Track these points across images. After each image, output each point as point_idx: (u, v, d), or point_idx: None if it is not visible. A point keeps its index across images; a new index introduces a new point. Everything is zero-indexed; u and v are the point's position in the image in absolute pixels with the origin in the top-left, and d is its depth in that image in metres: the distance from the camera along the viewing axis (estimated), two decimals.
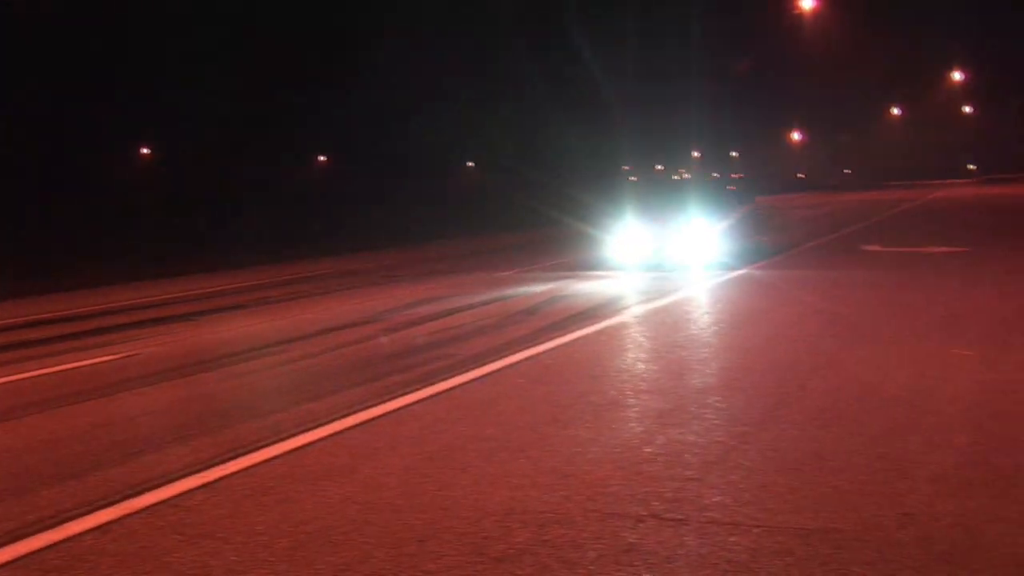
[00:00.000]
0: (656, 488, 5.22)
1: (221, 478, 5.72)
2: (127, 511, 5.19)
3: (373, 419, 7.00)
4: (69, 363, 9.92)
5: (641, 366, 8.66)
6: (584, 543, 4.51)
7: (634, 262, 17.53)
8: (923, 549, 4.30)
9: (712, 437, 6.17)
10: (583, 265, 18.83)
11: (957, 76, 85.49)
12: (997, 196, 46.45)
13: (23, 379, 9.23)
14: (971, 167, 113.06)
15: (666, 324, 11.08)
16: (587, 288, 14.94)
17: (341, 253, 25.24)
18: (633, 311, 12.14)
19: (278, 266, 21.77)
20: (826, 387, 7.46)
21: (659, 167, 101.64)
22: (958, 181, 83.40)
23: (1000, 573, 4.09)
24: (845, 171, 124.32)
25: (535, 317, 11.76)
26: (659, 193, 21.91)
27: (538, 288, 15.09)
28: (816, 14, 61.15)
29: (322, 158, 62.04)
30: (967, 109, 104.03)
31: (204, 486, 5.58)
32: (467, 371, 8.53)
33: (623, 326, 10.95)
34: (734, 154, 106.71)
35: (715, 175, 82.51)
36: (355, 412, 7.18)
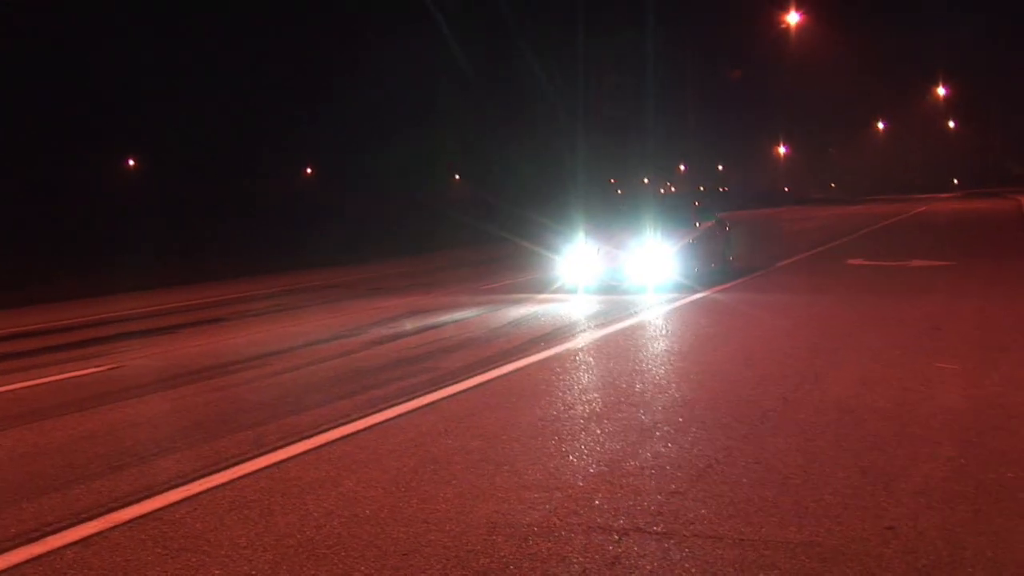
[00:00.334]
0: (641, 502, 5.22)
1: (204, 491, 5.69)
2: (110, 524, 5.17)
3: (357, 432, 6.98)
4: (52, 375, 9.87)
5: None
6: (569, 556, 4.51)
7: (584, 283, 16.23)
8: (907, 563, 4.31)
9: (696, 449, 6.17)
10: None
11: (941, 91, 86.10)
12: (980, 210, 46.68)
13: (5, 391, 9.18)
14: (955, 181, 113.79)
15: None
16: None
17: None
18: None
19: (259, 279, 21.71)
20: (811, 402, 7.47)
21: (645, 180, 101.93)
22: (942, 195, 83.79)
23: None
24: (831, 185, 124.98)
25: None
26: (616, 210, 19.77)
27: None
28: (801, 29, 61.62)
29: (309, 171, 62.08)
30: (951, 124, 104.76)
31: (187, 499, 5.56)
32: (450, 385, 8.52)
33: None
34: (720, 167, 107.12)
35: (700, 188, 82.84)
36: (339, 425, 7.17)
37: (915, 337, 10.35)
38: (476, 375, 9.00)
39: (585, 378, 8.82)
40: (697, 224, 17.48)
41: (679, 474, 5.70)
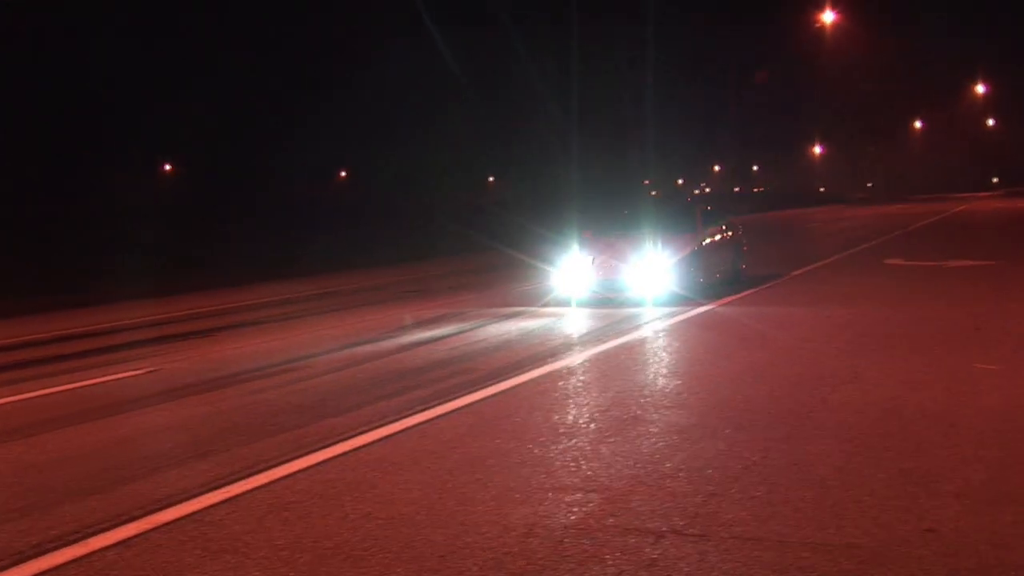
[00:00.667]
0: (678, 504, 5.21)
1: (243, 493, 5.73)
2: (150, 526, 5.21)
3: (394, 434, 7.00)
4: (91, 379, 9.97)
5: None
6: (605, 559, 4.50)
7: (577, 296, 14.88)
8: (948, 566, 4.27)
9: (733, 452, 6.14)
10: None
11: (980, 88, 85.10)
12: (1021, 209, 46.15)
13: (45, 395, 9.28)
14: (995, 180, 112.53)
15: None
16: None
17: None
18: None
19: (295, 281, 21.81)
20: (848, 402, 7.42)
21: (680, 181, 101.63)
22: (981, 194, 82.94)
23: None
24: (868, 184, 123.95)
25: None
26: (615, 215, 17.78)
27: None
28: (837, 27, 61.16)
29: (343, 173, 62.39)
30: (990, 122, 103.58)
31: (226, 501, 5.60)
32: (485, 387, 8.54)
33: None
34: (755, 168, 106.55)
35: (736, 189, 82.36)
36: (376, 427, 7.19)
37: (955, 338, 10.25)
38: (510, 378, 9.01)
39: (619, 382, 8.80)
40: (703, 230, 15.95)
41: (716, 476, 5.67)
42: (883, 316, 12.28)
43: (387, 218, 38.82)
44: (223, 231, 32.74)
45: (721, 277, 16.16)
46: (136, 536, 5.07)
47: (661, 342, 11.16)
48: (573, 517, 5.07)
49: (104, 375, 10.15)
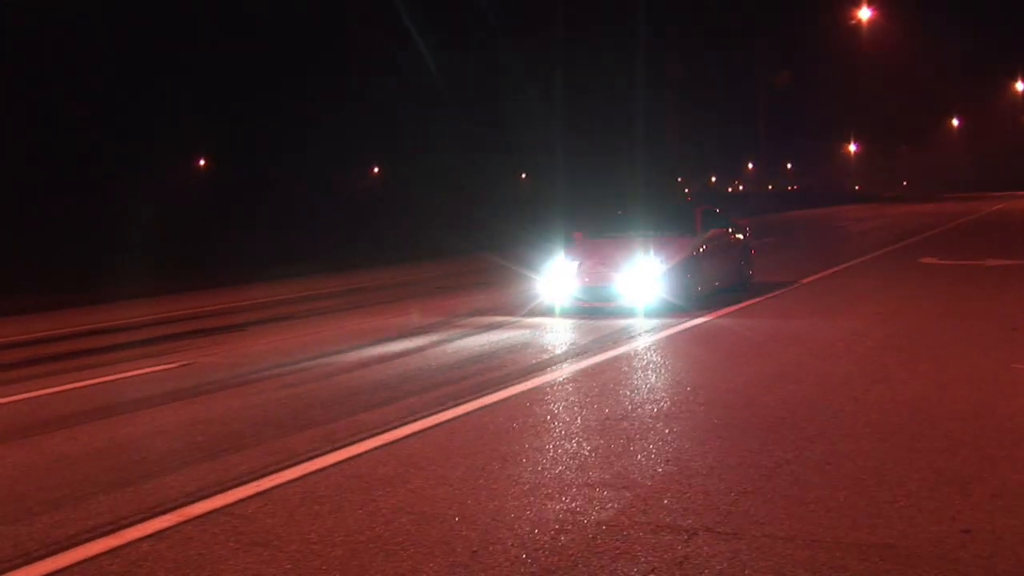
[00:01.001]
0: (710, 501, 5.18)
1: (275, 487, 5.76)
2: (183, 518, 5.25)
3: (426, 429, 7.02)
4: (124, 372, 10.05)
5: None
6: (637, 555, 4.49)
7: (561, 305, 13.55)
8: (984, 567, 4.22)
9: (766, 450, 6.11)
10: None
11: (1020, 86, 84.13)
12: None
13: (79, 388, 9.36)
14: None
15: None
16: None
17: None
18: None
19: (328, 277, 21.89)
20: (882, 401, 7.36)
21: (713, 179, 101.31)
22: (1019, 192, 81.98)
23: None
24: (903, 183, 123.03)
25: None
26: (609, 215, 16.45)
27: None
28: (873, 24, 60.72)
29: (376, 169, 62.57)
30: None
31: (258, 494, 5.63)
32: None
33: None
34: (789, 166, 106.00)
35: (769, 187, 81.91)
36: (408, 423, 7.21)
37: (991, 337, 10.14)
38: (542, 374, 9.01)
39: (653, 378, 8.78)
40: (702, 233, 14.57)
41: (749, 474, 5.64)
42: (910, 321, 12.16)
43: (404, 216, 38.72)
44: (252, 226, 32.87)
45: (722, 285, 14.86)
46: (169, 528, 5.11)
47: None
48: (605, 514, 5.06)
49: (137, 369, 10.22)
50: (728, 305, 13.60)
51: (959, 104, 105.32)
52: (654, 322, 12.18)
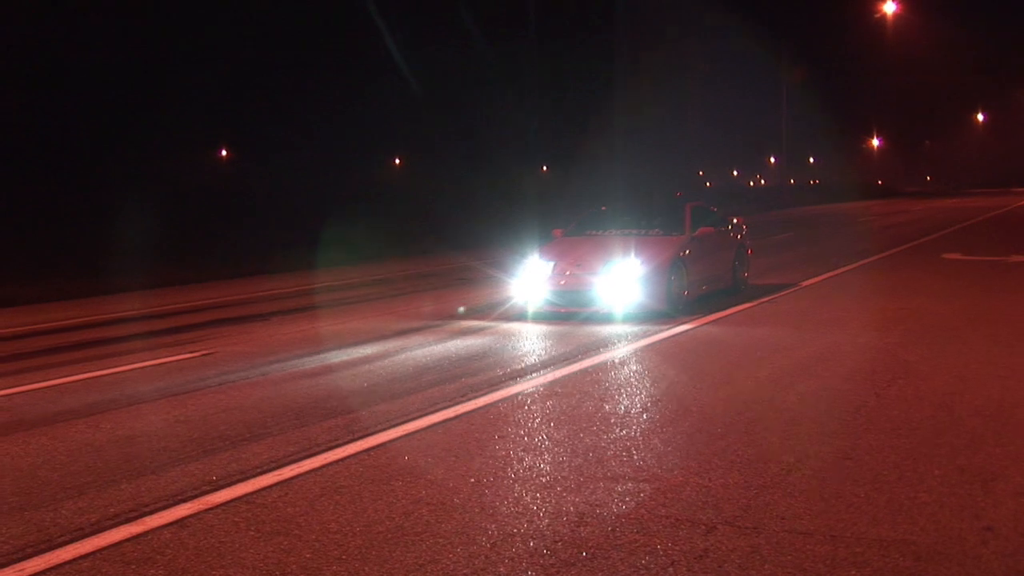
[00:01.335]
0: (730, 495, 5.17)
1: (296, 476, 5.79)
2: (204, 507, 5.28)
3: (446, 420, 7.03)
4: (147, 361, 10.10)
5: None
6: (656, 548, 4.48)
7: (533, 309, 12.51)
8: (1007, 565, 4.20)
9: (786, 445, 6.09)
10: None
11: None
12: None
13: (101, 376, 9.42)
14: None
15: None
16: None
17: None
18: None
19: (350, 268, 21.94)
20: (903, 397, 7.33)
21: (735, 173, 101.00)
22: None
23: None
24: (927, 178, 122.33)
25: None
26: (592, 212, 14.99)
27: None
28: (898, 18, 60.31)
29: (397, 161, 62.66)
30: None
31: (279, 484, 5.66)
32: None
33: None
34: (812, 160, 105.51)
35: (811, 181, 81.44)
36: (429, 413, 7.23)
37: (1015, 333, 10.08)
38: (562, 367, 9.02)
39: (672, 372, 8.78)
40: (690, 232, 13.41)
41: (769, 468, 5.63)
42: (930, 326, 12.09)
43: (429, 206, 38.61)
44: (285, 218, 33.01)
45: (712, 288, 13.71)
46: (190, 516, 5.14)
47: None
48: (625, 507, 5.06)
49: (160, 357, 10.28)
50: (717, 310, 12.49)
51: (984, 99, 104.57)
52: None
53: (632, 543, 4.56)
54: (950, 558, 4.28)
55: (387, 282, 18.55)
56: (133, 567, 4.49)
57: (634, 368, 9.06)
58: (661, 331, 10.95)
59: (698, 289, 13.20)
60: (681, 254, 12.82)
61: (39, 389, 8.82)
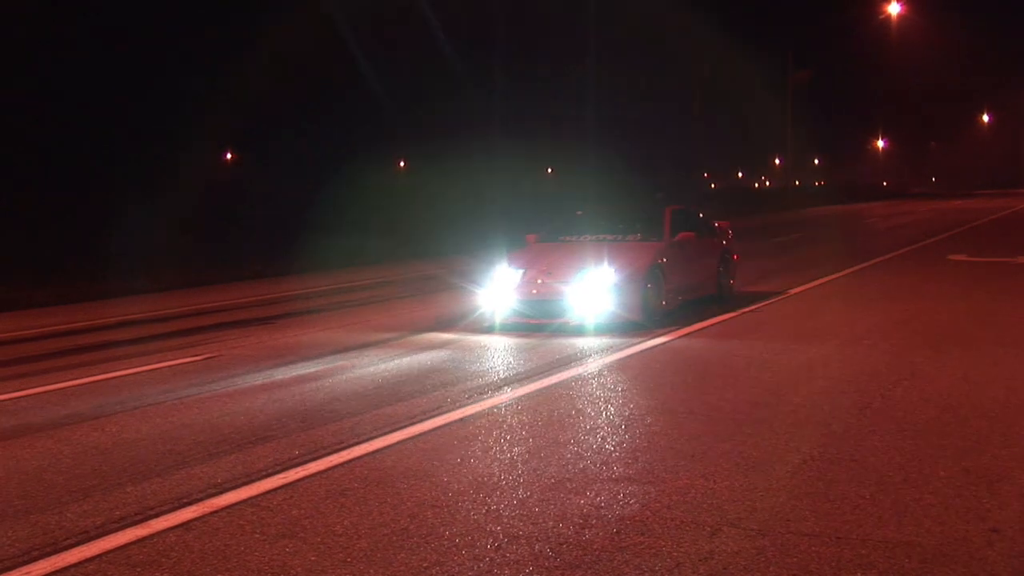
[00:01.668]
0: (735, 498, 5.17)
1: (301, 479, 5.79)
2: (209, 509, 5.28)
3: (450, 423, 7.04)
4: (151, 364, 10.11)
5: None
6: (662, 550, 4.48)
7: (501, 319, 11.83)
8: (1013, 567, 4.20)
9: (792, 447, 6.09)
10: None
11: None
12: None
13: (107, 379, 9.43)
14: None
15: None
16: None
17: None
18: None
19: (355, 270, 21.93)
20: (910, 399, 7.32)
21: (740, 175, 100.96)
22: None
23: None
24: (932, 179, 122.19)
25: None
26: (567, 217, 14.37)
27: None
28: (903, 19, 60.26)
29: (402, 163, 62.63)
30: None
31: (284, 486, 5.66)
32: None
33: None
34: (816, 161, 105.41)
35: (816, 183, 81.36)
36: (433, 416, 7.23)
37: (1021, 335, 10.07)
38: (562, 371, 9.02)
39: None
40: (669, 239, 12.71)
41: (774, 470, 5.62)
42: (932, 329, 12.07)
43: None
44: (289, 220, 32.94)
45: (689, 297, 12.93)
46: (196, 519, 5.14)
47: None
48: (630, 509, 5.06)
49: (163, 361, 10.29)
50: (697, 321, 11.80)
51: (990, 100, 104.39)
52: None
53: (637, 545, 4.56)
54: (955, 560, 4.27)
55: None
56: (138, 570, 4.50)
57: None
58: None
59: (677, 298, 12.49)
60: (659, 261, 12.14)
61: (44, 392, 8.83)
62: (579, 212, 14.71)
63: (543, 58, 51.73)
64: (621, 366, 9.29)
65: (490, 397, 7.88)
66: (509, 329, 11.58)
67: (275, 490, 5.60)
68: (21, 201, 33.23)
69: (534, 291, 11.73)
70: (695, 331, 11.21)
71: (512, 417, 7.20)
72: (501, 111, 48.65)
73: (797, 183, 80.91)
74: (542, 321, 11.54)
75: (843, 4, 75.40)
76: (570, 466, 5.87)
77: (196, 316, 14.55)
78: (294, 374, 9.24)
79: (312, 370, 9.42)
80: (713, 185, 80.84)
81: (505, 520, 4.96)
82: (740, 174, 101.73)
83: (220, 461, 6.25)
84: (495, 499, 5.29)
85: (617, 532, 4.73)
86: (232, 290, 18.38)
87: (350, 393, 8.25)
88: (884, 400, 7.29)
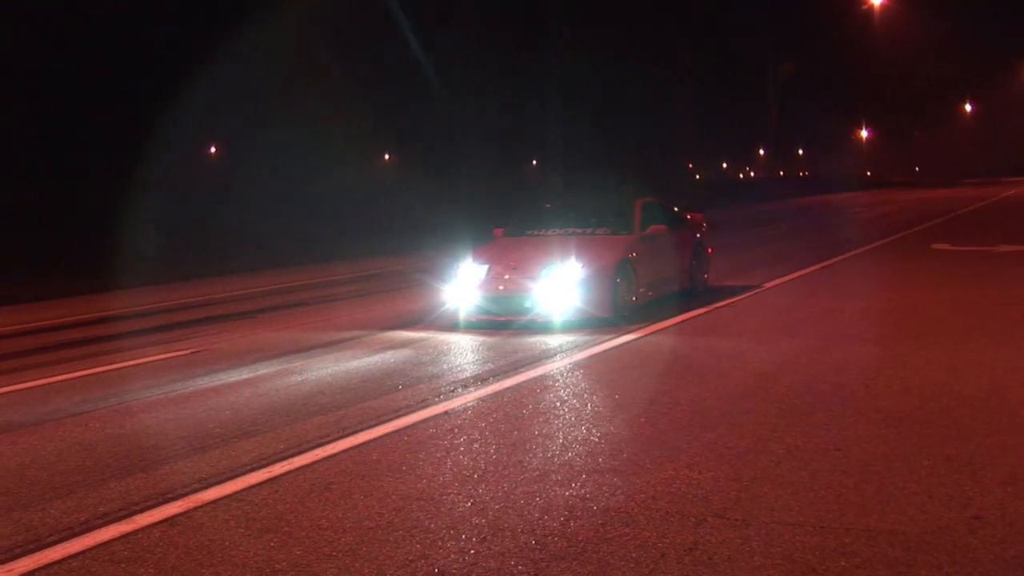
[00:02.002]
0: (719, 488, 5.18)
1: (286, 473, 5.78)
2: (194, 504, 5.27)
3: (435, 416, 7.03)
4: (136, 359, 10.09)
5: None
6: (647, 541, 4.49)
7: (465, 317, 11.54)
8: (994, 553, 4.22)
9: (776, 437, 6.11)
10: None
11: None
12: None
13: (90, 375, 9.40)
14: None
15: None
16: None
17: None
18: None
19: (339, 264, 21.89)
20: (893, 388, 7.35)
21: (724, 165, 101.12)
22: None
23: None
24: (915, 168, 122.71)
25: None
26: (535, 211, 14.19)
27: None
28: (886, 9, 60.38)
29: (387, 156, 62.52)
30: None
31: (269, 481, 5.65)
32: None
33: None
34: (800, 151, 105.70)
35: (800, 173, 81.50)
36: (417, 410, 7.23)
37: (1003, 323, 10.11)
38: (547, 362, 9.03)
39: (659, 366, 8.78)
40: (640, 232, 12.39)
41: (759, 461, 5.64)
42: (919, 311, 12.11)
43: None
44: (274, 216, 32.89)
45: (660, 293, 12.56)
46: (180, 514, 5.13)
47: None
48: (615, 500, 5.06)
49: (148, 356, 10.26)
50: (668, 317, 11.44)
51: (972, 89, 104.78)
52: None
53: (622, 536, 4.57)
54: (939, 547, 4.29)
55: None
56: (123, 566, 4.48)
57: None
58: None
59: (648, 294, 12.21)
60: (629, 255, 11.82)
61: (27, 389, 8.80)
62: (547, 205, 14.51)
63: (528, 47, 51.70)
64: (593, 361, 9.24)
65: (472, 391, 7.88)
66: (472, 328, 11.27)
67: (260, 484, 5.59)
68: (7, 197, 33.15)
69: (500, 287, 11.43)
70: (667, 327, 10.90)
71: (496, 411, 7.20)
72: (473, 112, 48.51)
73: (782, 173, 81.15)
74: (508, 318, 11.22)
75: None
76: (555, 458, 5.88)
77: (169, 313, 14.50)
78: (277, 368, 9.23)
79: (295, 364, 9.40)
80: (698, 176, 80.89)
81: (490, 513, 4.96)
82: (724, 164, 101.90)
83: (205, 456, 6.24)
84: (480, 492, 5.29)
85: (602, 523, 4.74)
86: (215, 284, 18.33)
87: (336, 387, 8.24)
88: (867, 390, 7.31)
